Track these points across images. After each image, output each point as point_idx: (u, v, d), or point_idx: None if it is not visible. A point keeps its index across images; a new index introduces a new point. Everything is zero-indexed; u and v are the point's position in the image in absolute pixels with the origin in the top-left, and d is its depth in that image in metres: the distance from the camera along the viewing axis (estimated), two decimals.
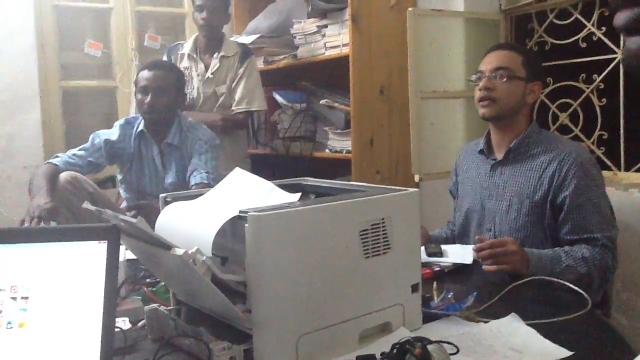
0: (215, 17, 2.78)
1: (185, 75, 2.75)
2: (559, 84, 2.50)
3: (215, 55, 2.86)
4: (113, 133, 2.40)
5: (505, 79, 1.70)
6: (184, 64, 2.91)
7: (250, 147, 3.20)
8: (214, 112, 2.83)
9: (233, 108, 2.83)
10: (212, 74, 2.85)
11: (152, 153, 2.41)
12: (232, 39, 3.19)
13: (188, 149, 2.39)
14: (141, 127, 2.40)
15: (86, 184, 2.28)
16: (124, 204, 2.50)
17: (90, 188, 2.28)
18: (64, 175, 2.22)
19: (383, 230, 1.06)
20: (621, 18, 0.46)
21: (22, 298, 0.86)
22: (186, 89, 2.66)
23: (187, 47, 2.93)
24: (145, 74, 2.35)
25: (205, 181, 2.24)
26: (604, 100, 2.35)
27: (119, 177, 2.50)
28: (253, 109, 2.86)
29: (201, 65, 2.89)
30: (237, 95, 2.83)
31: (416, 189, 1.13)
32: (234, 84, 2.84)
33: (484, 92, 1.72)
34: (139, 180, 2.44)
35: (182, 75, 2.53)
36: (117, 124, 2.45)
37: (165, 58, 2.90)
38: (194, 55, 2.92)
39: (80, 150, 2.35)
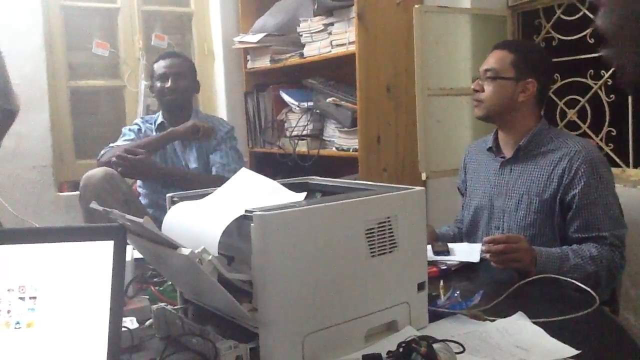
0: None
1: None
2: (566, 80, 2.48)
3: None
4: (139, 128, 2.50)
5: (490, 80, 1.74)
6: None
7: (258, 146, 3.21)
8: None
9: None
10: None
11: (173, 143, 2.46)
12: (237, 38, 3.20)
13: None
14: (160, 119, 2.48)
15: (122, 182, 2.30)
16: (140, 199, 2.52)
17: (125, 187, 2.30)
18: (101, 172, 2.23)
19: (389, 229, 1.06)
20: None
21: (30, 298, 0.87)
22: None
23: None
24: (162, 62, 2.47)
25: (221, 173, 2.37)
26: (612, 96, 2.33)
27: None
28: None
29: None
30: None
31: (422, 188, 1.13)
32: None
33: (474, 93, 1.79)
34: None
35: (194, 65, 2.60)
36: (137, 121, 2.56)
37: None
38: None
39: (124, 141, 2.43)
